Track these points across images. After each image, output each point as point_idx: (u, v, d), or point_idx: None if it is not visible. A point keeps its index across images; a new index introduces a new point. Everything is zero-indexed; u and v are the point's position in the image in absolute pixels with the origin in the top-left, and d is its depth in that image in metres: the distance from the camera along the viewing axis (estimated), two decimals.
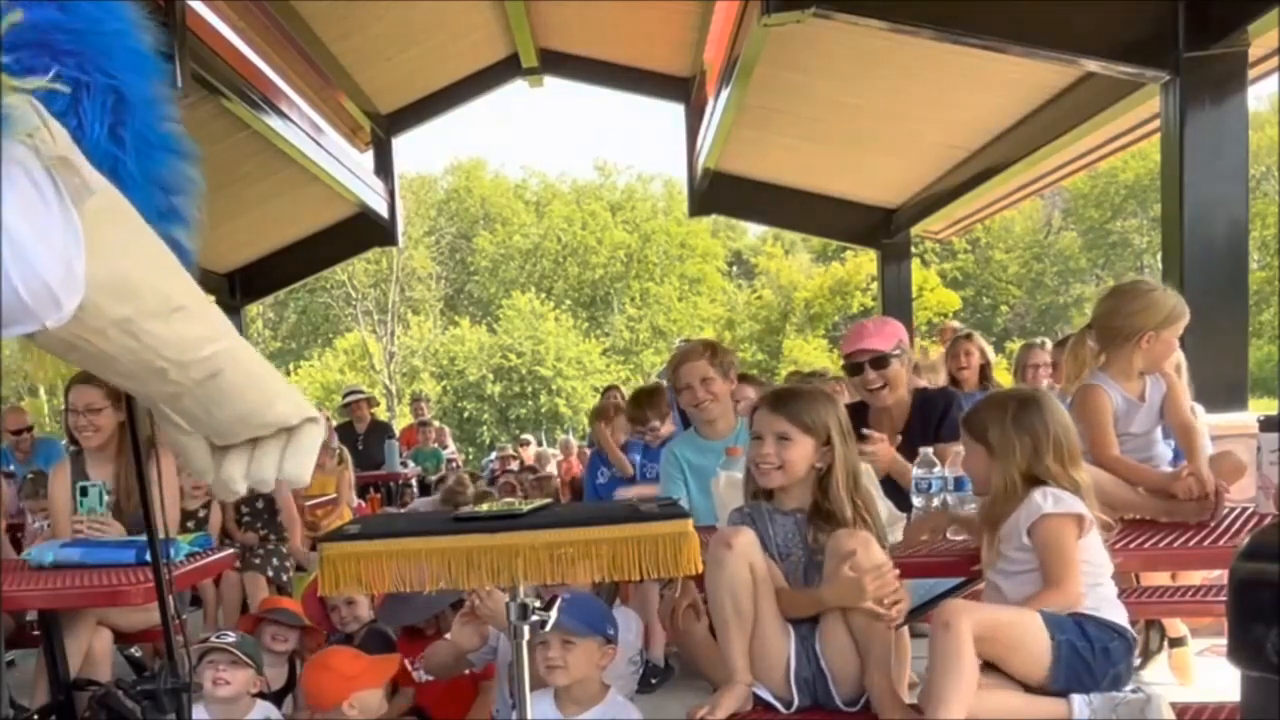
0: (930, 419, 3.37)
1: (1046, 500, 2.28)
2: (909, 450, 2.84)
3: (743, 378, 5.03)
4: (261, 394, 0.98)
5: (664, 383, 7.13)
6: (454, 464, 10.50)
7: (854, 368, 3.48)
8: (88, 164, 0.78)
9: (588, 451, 7.58)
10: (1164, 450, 2.98)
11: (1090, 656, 2.23)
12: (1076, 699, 2.18)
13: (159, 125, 0.94)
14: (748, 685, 2.39)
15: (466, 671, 3.23)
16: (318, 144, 8.20)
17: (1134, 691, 2.23)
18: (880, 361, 3.42)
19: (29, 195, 0.71)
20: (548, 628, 2.14)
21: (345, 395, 9.34)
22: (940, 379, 5.39)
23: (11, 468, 5.96)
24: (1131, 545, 2.49)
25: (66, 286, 0.75)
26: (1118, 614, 2.30)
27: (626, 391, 7.91)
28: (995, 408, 2.42)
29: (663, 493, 3.68)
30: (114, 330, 0.82)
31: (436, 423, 12.31)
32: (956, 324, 7.56)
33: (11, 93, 0.72)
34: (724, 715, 2.33)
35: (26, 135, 0.72)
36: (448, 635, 3.18)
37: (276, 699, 3.48)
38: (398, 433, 10.09)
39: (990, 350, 5.67)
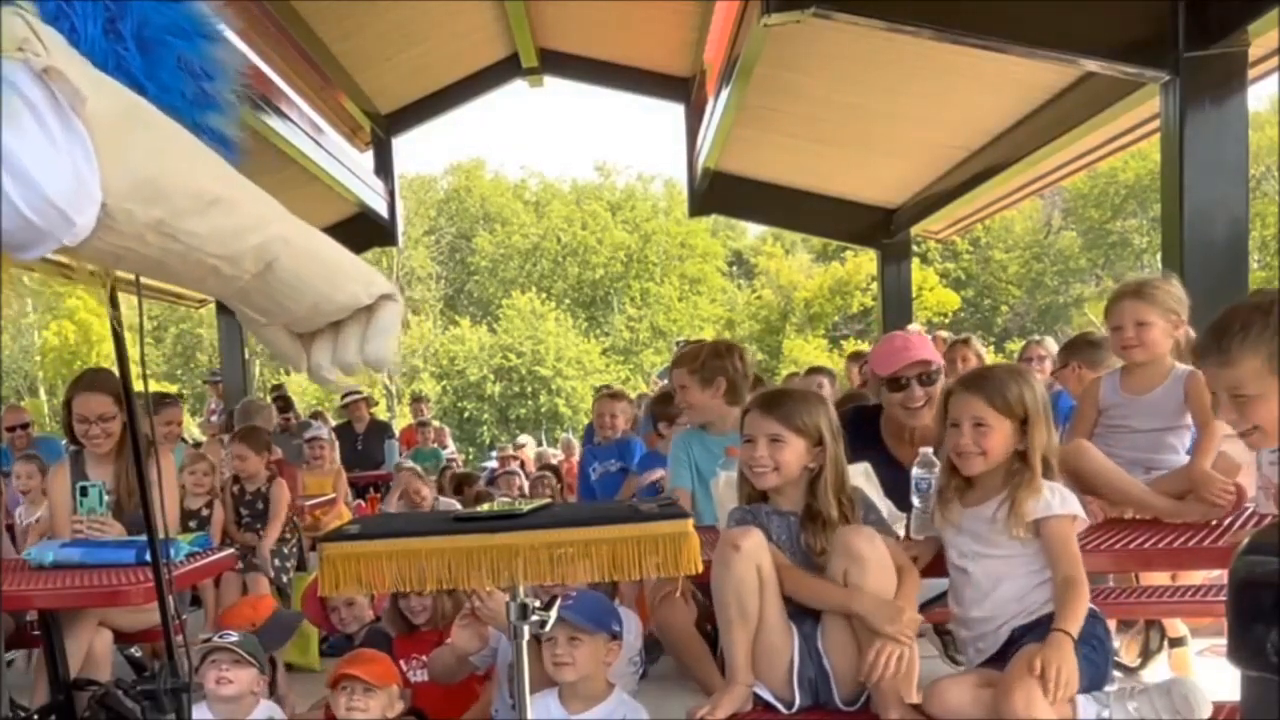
0: None
1: (1055, 498, 2.29)
2: None
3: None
4: (326, 277, 0.95)
5: (665, 382, 7.13)
6: (454, 464, 10.51)
7: (897, 383, 3.19)
8: (85, 67, 0.75)
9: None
10: (1175, 458, 2.93)
11: (1099, 658, 2.24)
12: (1081, 699, 2.19)
13: (169, 12, 0.90)
14: (748, 686, 2.39)
15: (472, 674, 3.23)
16: (318, 144, 8.20)
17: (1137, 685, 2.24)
18: (929, 377, 3.17)
19: (21, 114, 0.69)
20: (548, 627, 2.14)
21: (344, 396, 9.33)
22: None
23: (8, 467, 5.97)
24: (1131, 545, 2.50)
25: (76, 201, 0.74)
26: None
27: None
28: (1019, 376, 2.40)
29: (671, 479, 3.65)
30: (151, 235, 0.80)
31: (436, 422, 12.31)
32: (945, 334, 7.55)
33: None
34: (724, 715, 2.33)
35: (16, 50, 0.70)
36: (448, 641, 3.18)
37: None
38: (397, 433, 10.09)
39: (987, 354, 5.68)
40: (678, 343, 9.66)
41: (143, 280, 1.05)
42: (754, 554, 2.35)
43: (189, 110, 0.92)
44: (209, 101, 0.95)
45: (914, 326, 6.23)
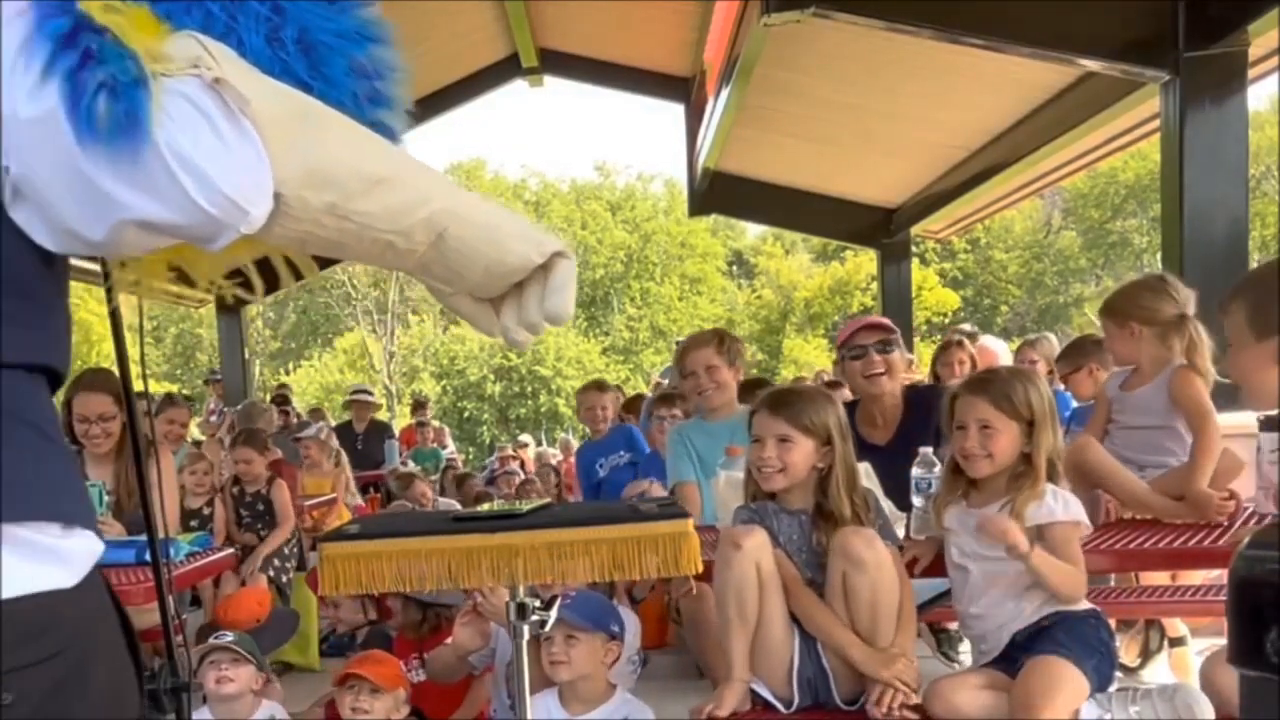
0: (927, 416, 3.11)
1: (1058, 504, 2.28)
2: (905, 447, 2.81)
3: (754, 383, 4.99)
4: (494, 241, 1.00)
5: (664, 382, 7.12)
6: (454, 464, 10.51)
7: (854, 351, 3.31)
8: (251, 73, 0.85)
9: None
10: (1170, 460, 2.90)
11: (1103, 663, 2.24)
12: (1085, 702, 2.19)
13: (329, 21, 0.98)
14: (745, 683, 2.39)
15: (473, 673, 3.23)
16: None
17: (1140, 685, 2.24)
18: (885, 345, 3.28)
19: (195, 122, 0.80)
20: (548, 627, 2.14)
21: (354, 391, 9.34)
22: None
23: None
24: (1132, 545, 2.50)
25: (251, 194, 0.83)
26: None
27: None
28: (1026, 379, 2.39)
29: (672, 474, 3.63)
30: (326, 218, 0.89)
31: (436, 423, 12.31)
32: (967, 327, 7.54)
33: (172, 34, 0.83)
34: (726, 713, 2.33)
35: (191, 67, 0.80)
36: (449, 641, 3.18)
37: None
38: (397, 433, 10.09)
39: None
40: (678, 343, 9.64)
41: (144, 280, 1.07)
42: (755, 552, 2.35)
43: (361, 108, 1.00)
44: (380, 99, 1.02)
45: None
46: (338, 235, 0.91)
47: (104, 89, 0.77)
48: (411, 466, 9.35)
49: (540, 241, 1.03)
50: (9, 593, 0.86)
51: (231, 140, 0.81)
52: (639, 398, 6.58)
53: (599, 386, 5.46)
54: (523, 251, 1.02)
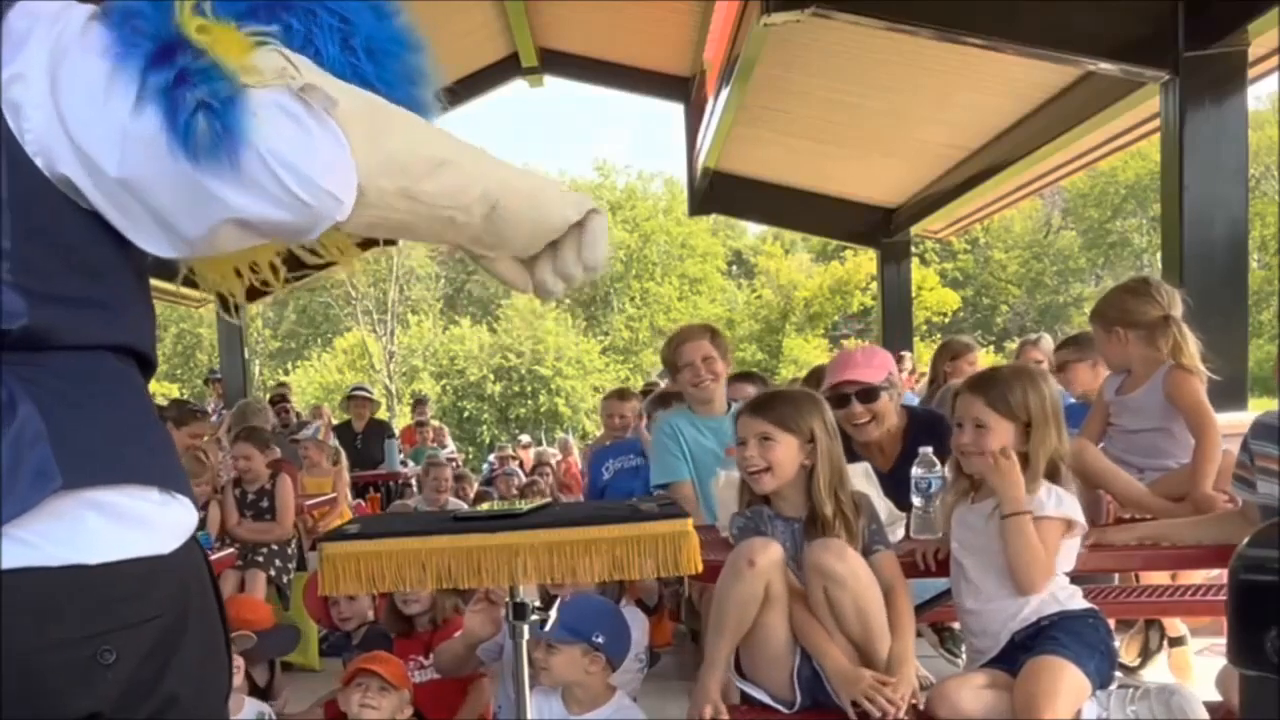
0: (929, 444, 2.81)
1: (1050, 499, 2.29)
2: (908, 475, 2.74)
3: (745, 375, 5.00)
4: (539, 208, 1.13)
5: (663, 382, 7.11)
6: (454, 463, 10.50)
7: (839, 400, 3.12)
8: (330, 79, 0.95)
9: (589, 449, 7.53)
10: (1169, 463, 2.91)
11: (1102, 662, 2.24)
12: (1085, 702, 2.19)
13: (384, 27, 1.08)
14: (725, 671, 2.38)
15: (481, 669, 3.23)
16: None
17: (1137, 685, 2.24)
18: (868, 394, 3.14)
19: (288, 126, 0.89)
20: (548, 627, 2.14)
21: (354, 389, 9.33)
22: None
23: None
24: (1132, 545, 2.50)
25: (340, 183, 0.92)
26: (1079, 598, 2.36)
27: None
28: (1028, 380, 2.39)
29: (664, 473, 3.56)
30: (398, 200, 0.98)
31: (435, 422, 12.31)
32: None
33: (260, 47, 0.92)
34: (716, 692, 2.33)
35: (278, 76, 0.90)
36: (458, 633, 3.18)
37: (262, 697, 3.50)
38: (397, 432, 10.09)
39: (986, 354, 5.65)
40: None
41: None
42: (767, 572, 2.31)
43: (410, 108, 1.08)
44: (417, 104, 1.10)
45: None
46: (409, 216, 1.01)
47: (201, 108, 0.86)
48: (412, 467, 9.36)
49: (579, 203, 1.16)
50: (111, 556, 0.93)
51: (321, 139, 0.91)
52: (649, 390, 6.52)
53: (621, 395, 5.38)
54: (562, 212, 1.14)
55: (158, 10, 0.90)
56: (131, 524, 0.95)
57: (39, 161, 0.92)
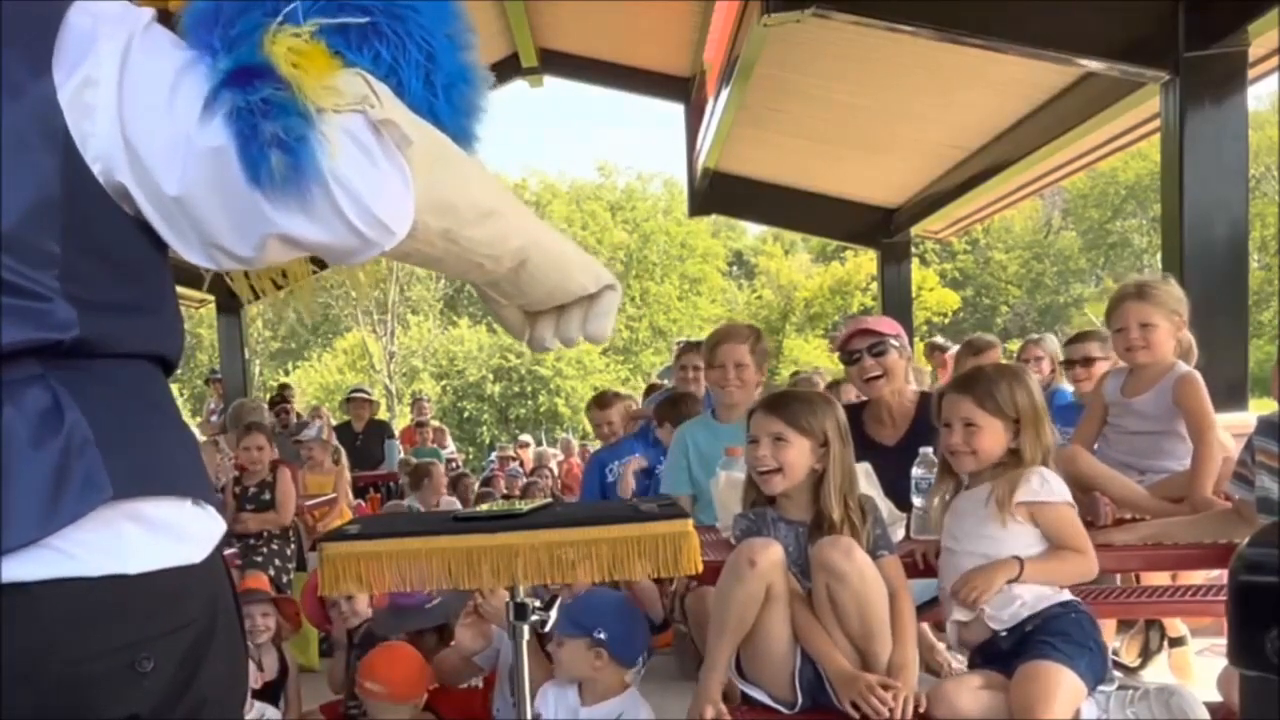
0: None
1: (1043, 486, 2.30)
2: (914, 451, 2.78)
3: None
4: (563, 272, 1.16)
5: (665, 382, 7.10)
6: (454, 464, 10.50)
7: (850, 356, 3.27)
8: (409, 116, 0.95)
9: (589, 449, 7.52)
10: (1171, 464, 2.92)
11: (1095, 659, 2.24)
12: (1084, 702, 2.19)
13: (458, 60, 1.09)
14: (725, 672, 2.38)
15: (480, 678, 3.24)
16: None
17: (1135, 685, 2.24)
18: (878, 347, 3.22)
19: (357, 157, 0.89)
20: (548, 627, 2.14)
21: (353, 391, 9.34)
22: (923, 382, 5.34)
23: None
24: (1134, 544, 2.50)
25: (399, 220, 0.92)
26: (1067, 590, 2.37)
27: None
28: (1012, 377, 2.41)
29: (665, 479, 3.60)
30: (439, 240, 1.00)
31: (435, 422, 12.30)
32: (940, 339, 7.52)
33: (344, 70, 0.91)
34: (717, 691, 2.33)
35: (358, 103, 0.89)
36: (453, 644, 3.19)
37: (274, 690, 3.49)
38: (397, 433, 10.09)
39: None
40: (678, 343, 9.59)
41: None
42: (768, 573, 2.31)
43: (463, 143, 1.10)
44: (470, 137, 1.11)
45: None
46: (441, 254, 1.03)
47: (276, 143, 0.85)
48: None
49: (598, 276, 1.20)
50: (149, 565, 0.93)
51: (388, 173, 0.91)
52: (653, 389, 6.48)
53: (600, 404, 5.22)
54: (583, 282, 1.18)
55: (244, 20, 0.89)
56: (168, 534, 0.96)
57: (96, 168, 0.90)
